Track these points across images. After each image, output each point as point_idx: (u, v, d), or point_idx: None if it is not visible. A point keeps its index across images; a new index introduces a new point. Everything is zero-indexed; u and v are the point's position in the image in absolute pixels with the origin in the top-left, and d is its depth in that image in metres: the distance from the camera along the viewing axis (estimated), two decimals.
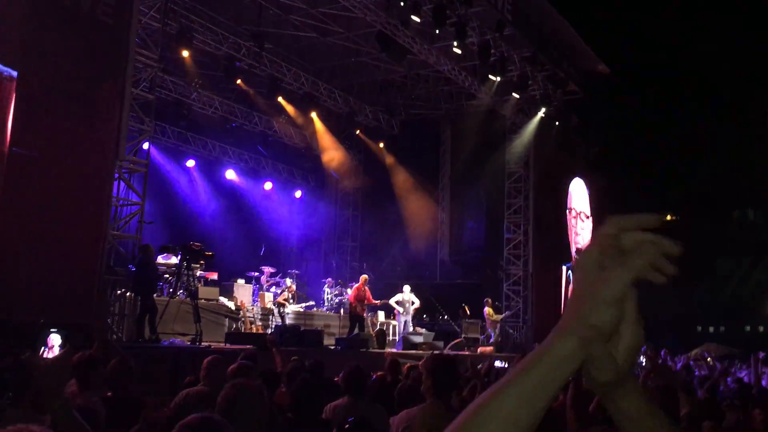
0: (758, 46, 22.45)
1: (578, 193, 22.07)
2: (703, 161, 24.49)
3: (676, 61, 24.03)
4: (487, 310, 17.72)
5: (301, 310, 15.69)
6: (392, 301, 16.49)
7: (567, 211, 21.41)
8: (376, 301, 15.97)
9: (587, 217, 22.34)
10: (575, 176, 21.84)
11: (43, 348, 7.63)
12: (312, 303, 16.13)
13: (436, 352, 11.82)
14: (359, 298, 15.02)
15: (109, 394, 4.67)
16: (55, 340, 7.85)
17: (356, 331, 14.49)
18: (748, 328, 23.47)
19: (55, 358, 2.56)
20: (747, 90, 23.77)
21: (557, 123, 19.51)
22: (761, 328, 23.28)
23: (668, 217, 27.66)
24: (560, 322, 0.84)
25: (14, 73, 9.07)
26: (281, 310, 15.00)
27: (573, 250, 21.48)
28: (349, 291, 16.51)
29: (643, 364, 9.95)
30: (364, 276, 15.74)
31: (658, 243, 0.83)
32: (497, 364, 7.89)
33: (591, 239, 0.86)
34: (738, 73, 23.40)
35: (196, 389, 4.73)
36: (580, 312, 0.82)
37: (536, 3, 16.63)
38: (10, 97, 8.94)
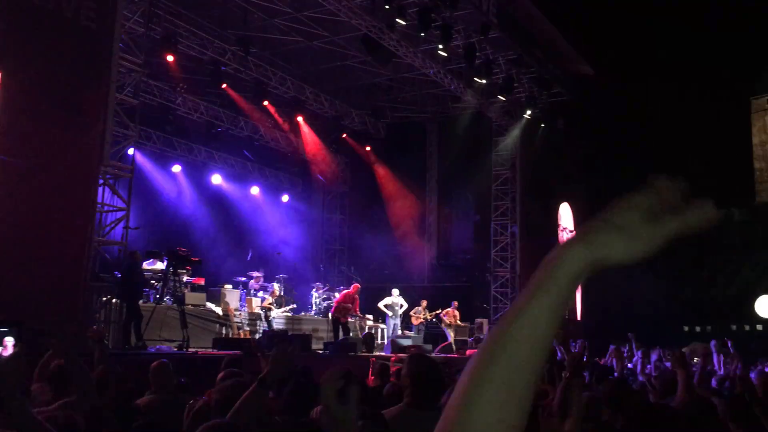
0: (740, 45, 22.65)
1: (565, 215, 22.70)
2: (689, 160, 24.66)
3: (660, 62, 24.17)
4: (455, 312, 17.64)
5: (290, 314, 15.64)
6: (381, 305, 16.48)
7: (557, 227, 21.97)
8: (361, 315, 15.96)
9: (570, 232, 22.90)
10: (564, 201, 22.41)
11: None
12: (294, 306, 16.04)
13: (418, 353, 11.78)
14: (346, 303, 14.94)
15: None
16: (8, 341, 7.78)
17: (341, 335, 14.41)
18: (734, 327, 23.60)
19: (7, 359, 2.56)
20: (730, 90, 23.95)
21: (543, 125, 19.59)
22: (747, 327, 23.44)
23: None
24: (581, 231, 0.88)
25: None
26: (267, 315, 14.94)
27: None
28: (337, 295, 16.48)
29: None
30: (356, 284, 15.68)
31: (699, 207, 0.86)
32: None
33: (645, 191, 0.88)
34: (721, 72, 23.58)
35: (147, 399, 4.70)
36: (614, 236, 0.85)
37: (521, 5, 16.69)
38: None
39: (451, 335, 17.28)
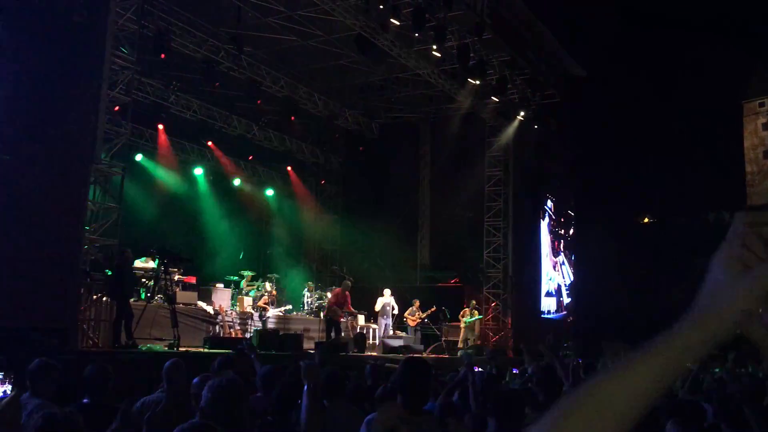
0: (732, 48, 22.75)
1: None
2: (680, 163, 24.76)
3: (652, 65, 24.27)
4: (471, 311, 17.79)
5: (281, 314, 15.62)
6: (378, 307, 16.50)
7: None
8: (354, 311, 15.92)
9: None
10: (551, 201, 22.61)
11: None
12: (290, 307, 16.04)
13: (414, 355, 11.80)
14: (339, 303, 14.94)
15: (86, 400, 4.61)
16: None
17: (333, 335, 14.41)
18: None
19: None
20: (722, 94, 24.05)
21: (536, 126, 19.62)
22: (738, 331, 23.56)
23: (646, 219, 27.91)
24: (692, 312, 0.88)
25: None
26: (262, 314, 14.92)
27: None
28: (329, 295, 16.49)
29: None
30: (347, 282, 15.67)
31: None
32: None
33: (728, 239, 0.89)
34: (713, 76, 23.68)
35: (154, 397, 4.69)
36: (718, 305, 0.87)
37: (514, 7, 16.72)
38: None
39: (470, 335, 17.45)
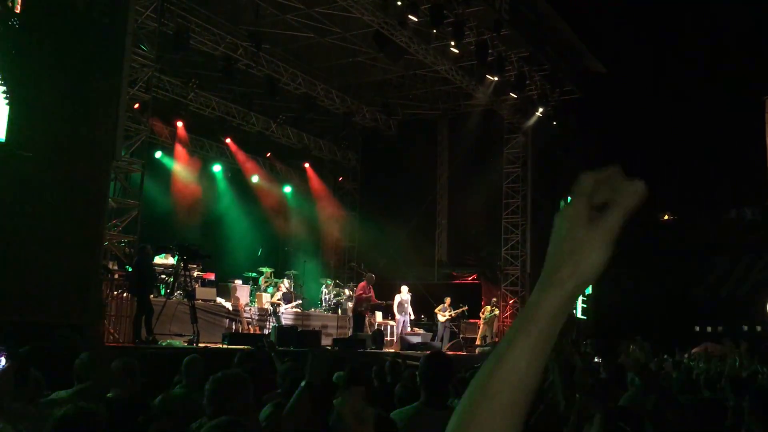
0: (754, 44, 22.47)
1: None
2: (701, 159, 24.51)
3: (672, 60, 24.04)
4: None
5: (299, 310, 15.66)
6: (395, 305, 16.54)
7: None
8: (381, 302, 15.97)
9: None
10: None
11: None
12: (300, 302, 16.04)
13: (434, 352, 11.76)
14: (365, 297, 15.02)
15: (110, 394, 4.65)
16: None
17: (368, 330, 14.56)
18: (746, 327, 23.45)
19: None
20: (744, 88, 23.77)
21: (555, 123, 19.50)
22: (759, 328, 23.28)
23: (665, 217, 27.67)
24: (545, 276, 0.88)
25: None
26: (276, 310, 14.97)
27: None
28: (347, 291, 16.53)
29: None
30: (370, 275, 15.71)
31: (630, 183, 0.91)
32: None
33: (572, 197, 0.91)
34: (734, 71, 23.42)
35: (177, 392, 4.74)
36: (574, 261, 0.86)
37: (533, 2, 16.61)
38: None
39: (488, 332, 17.50)
